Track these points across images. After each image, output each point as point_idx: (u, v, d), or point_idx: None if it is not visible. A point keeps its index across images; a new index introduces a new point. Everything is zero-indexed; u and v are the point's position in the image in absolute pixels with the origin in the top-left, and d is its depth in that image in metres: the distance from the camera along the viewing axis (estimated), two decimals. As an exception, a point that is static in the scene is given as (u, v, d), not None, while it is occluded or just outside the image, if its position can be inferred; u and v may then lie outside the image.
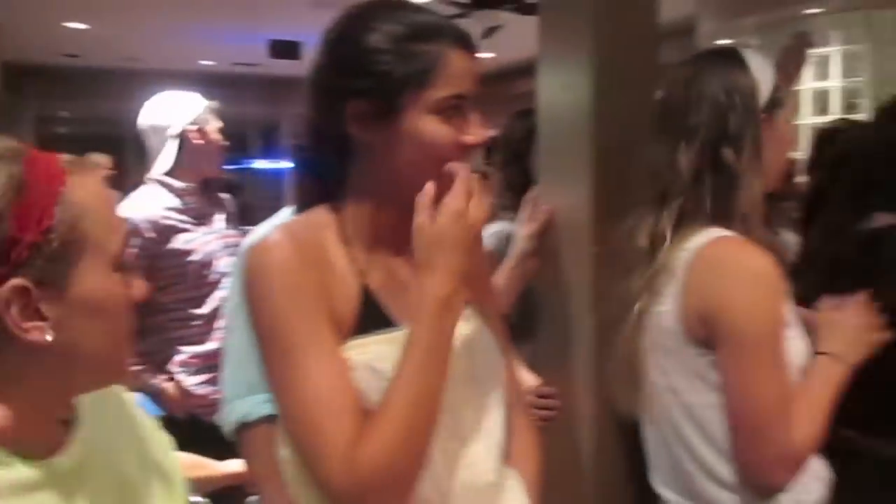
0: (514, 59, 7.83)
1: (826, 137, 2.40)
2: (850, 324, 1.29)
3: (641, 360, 1.28)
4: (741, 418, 1.16)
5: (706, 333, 1.18)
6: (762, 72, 1.25)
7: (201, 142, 2.24)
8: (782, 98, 1.26)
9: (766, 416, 1.14)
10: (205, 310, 2.16)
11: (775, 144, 1.25)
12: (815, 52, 5.78)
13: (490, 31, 6.43)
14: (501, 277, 1.77)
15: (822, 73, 5.70)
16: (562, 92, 1.76)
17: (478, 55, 0.97)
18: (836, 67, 5.65)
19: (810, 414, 1.19)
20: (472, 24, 6.12)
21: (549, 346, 1.81)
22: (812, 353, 1.26)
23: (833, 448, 1.43)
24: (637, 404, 1.33)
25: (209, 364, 2.06)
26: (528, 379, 1.74)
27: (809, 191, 2.06)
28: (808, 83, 5.75)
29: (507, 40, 6.69)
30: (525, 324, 1.80)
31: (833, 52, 5.68)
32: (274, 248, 0.92)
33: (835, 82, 5.59)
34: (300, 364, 0.87)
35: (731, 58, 1.28)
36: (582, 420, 1.68)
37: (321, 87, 0.98)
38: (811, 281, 1.47)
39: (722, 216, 1.22)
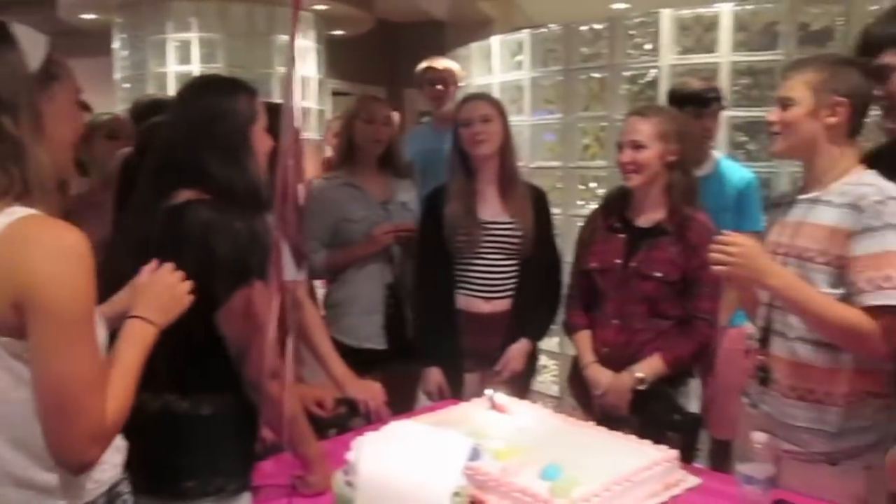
0: None
1: (139, 116, 2.48)
2: (159, 286, 1.36)
3: None
4: (55, 399, 1.11)
5: (17, 320, 1.10)
6: (33, 45, 1.21)
7: None
8: (58, 73, 1.24)
9: (81, 393, 1.11)
10: None
11: (56, 119, 1.23)
12: (177, 36, 6.02)
13: None
14: None
15: (185, 58, 5.97)
16: None
17: None
18: (196, 53, 5.97)
19: (122, 383, 1.20)
20: None
21: None
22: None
23: (155, 412, 1.52)
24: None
25: None
26: None
27: (120, 169, 2.11)
28: (171, 66, 5.97)
29: None
30: None
31: (193, 39, 5.98)
32: None
33: (195, 67, 5.90)
34: None
35: None
36: None
37: None
38: (125, 260, 1.50)
39: (18, 191, 1.14)
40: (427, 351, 2.56)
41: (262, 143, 1.64)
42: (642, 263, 2.18)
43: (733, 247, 1.70)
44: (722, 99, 2.73)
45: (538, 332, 2.61)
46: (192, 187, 1.56)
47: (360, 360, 2.52)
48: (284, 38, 6.08)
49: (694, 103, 2.63)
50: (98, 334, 1.20)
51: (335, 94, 7.06)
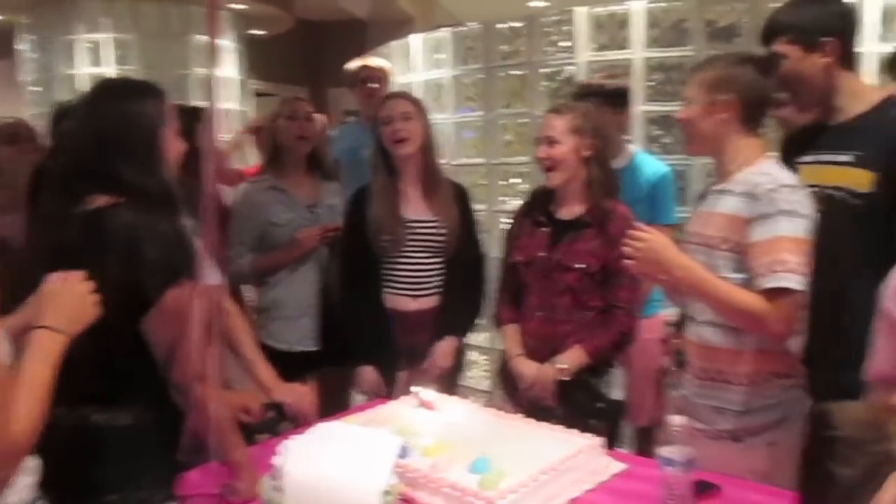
0: None
1: (60, 119, 2.40)
2: (67, 294, 1.32)
3: None
4: None
5: None
6: None
7: None
8: None
9: None
10: None
11: None
12: (88, 37, 5.82)
13: None
14: None
15: (97, 59, 5.78)
16: None
17: None
18: (109, 54, 5.78)
19: (30, 398, 1.16)
20: None
21: None
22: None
23: (72, 426, 1.47)
24: None
25: None
26: None
27: (32, 175, 2.04)
28: (83, 68, 5.76)
29: None
30: None
31: (105, 39, 5.79)
32: None
33: (109, 68, 5.71)
34: None
35: None
36: None
37: None
38: (37, 269, 1.44)
39: None
40: (357, 351, 2.55)
41: (173, 146, 1.61)
42: (564, 255, 2.23)
43: (640, 242, 1.78)
44: (595, 95, 2.65)
45: (465, 329, 2.63)
46: (104, 192, 1.53)
47: (292, 364, 2.50)
48: (200, 38, 5.93)
49: (577, 99, 2.66)
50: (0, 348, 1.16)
51: (258, 94, 6.95)
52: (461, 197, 2.61)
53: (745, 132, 1.82)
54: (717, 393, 1.80)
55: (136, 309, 1.47)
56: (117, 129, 1.54)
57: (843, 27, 1.89)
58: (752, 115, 1.82)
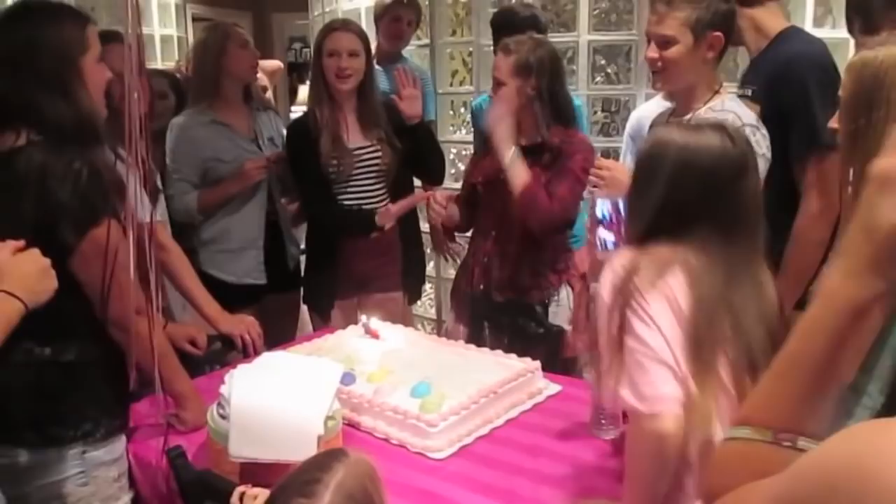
0: None
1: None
2: (30, 265, 1.24)
3: None
4: None
5: None
6: None
7: None
8: None
9: None
10: None
11: None
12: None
13: None
14: None
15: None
16: None
17: None
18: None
19: None
20: None
21: None
22: None
23: (17, 362, 1.45)
24: None
25: None
26: None
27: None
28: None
29: None
30: None
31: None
32: None
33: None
34: None
35: None
36: None
37: None
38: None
39: None
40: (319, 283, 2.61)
41: (96, 74, 1.54)
42: None
43: (605, 171, 1.83)
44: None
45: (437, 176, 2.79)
46: (20, 124, 1.46)
47: (238, 295, 2.51)
48: (136, -41, 5.64)
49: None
50: None
51: (196, 19, 6.70)
52: (392, 114, 2.59)
53: (715, 66, 1.86)
54: None
55: (59, 252, 1.39)
56: (30, 55, 1.45)
57: None
58: (726, 49, 1.84)
